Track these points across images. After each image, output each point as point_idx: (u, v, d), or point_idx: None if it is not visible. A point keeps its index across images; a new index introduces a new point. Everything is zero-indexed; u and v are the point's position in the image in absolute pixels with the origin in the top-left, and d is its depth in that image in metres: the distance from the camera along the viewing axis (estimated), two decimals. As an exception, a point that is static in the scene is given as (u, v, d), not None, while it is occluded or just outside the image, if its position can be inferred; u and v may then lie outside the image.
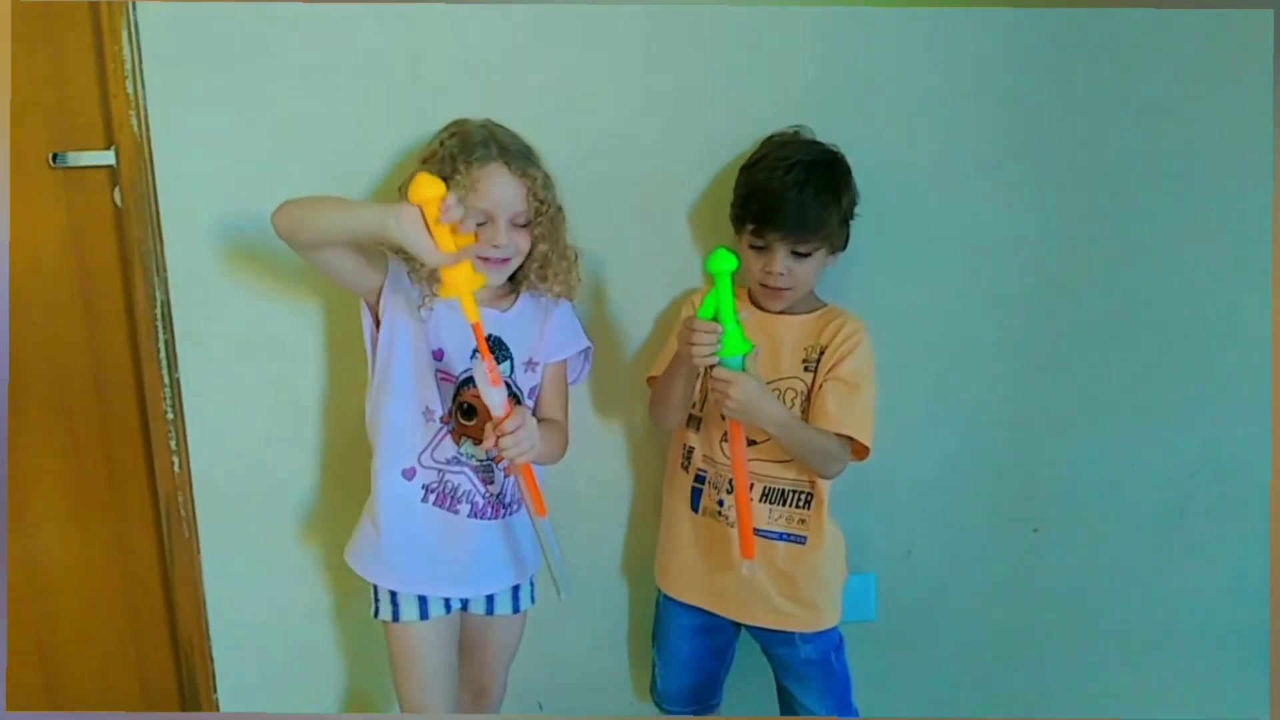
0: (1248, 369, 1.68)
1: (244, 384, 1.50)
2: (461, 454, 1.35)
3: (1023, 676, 1.80)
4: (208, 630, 1.60)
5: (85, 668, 1.67)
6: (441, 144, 1.31)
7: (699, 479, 1.45)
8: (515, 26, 1.43)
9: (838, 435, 1.35)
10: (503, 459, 1.29)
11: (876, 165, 1.45)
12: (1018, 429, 1.69)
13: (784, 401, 1.38)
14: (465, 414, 1.34)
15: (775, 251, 1.35)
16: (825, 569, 1.43)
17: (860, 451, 1.38)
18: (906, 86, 1.53)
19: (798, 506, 1.41)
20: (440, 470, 1.35)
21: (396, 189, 1.35)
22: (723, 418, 1.34)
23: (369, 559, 1.39)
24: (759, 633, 1.48)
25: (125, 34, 1.36)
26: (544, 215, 1.33)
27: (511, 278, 1.38)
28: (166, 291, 1.44)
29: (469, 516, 1.36)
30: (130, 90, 1.37)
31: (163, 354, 1.46)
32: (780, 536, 1.41)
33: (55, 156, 1.44)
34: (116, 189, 1.44)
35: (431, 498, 1.35)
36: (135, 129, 1.39)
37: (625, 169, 1.50)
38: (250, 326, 1.48)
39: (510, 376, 1.36)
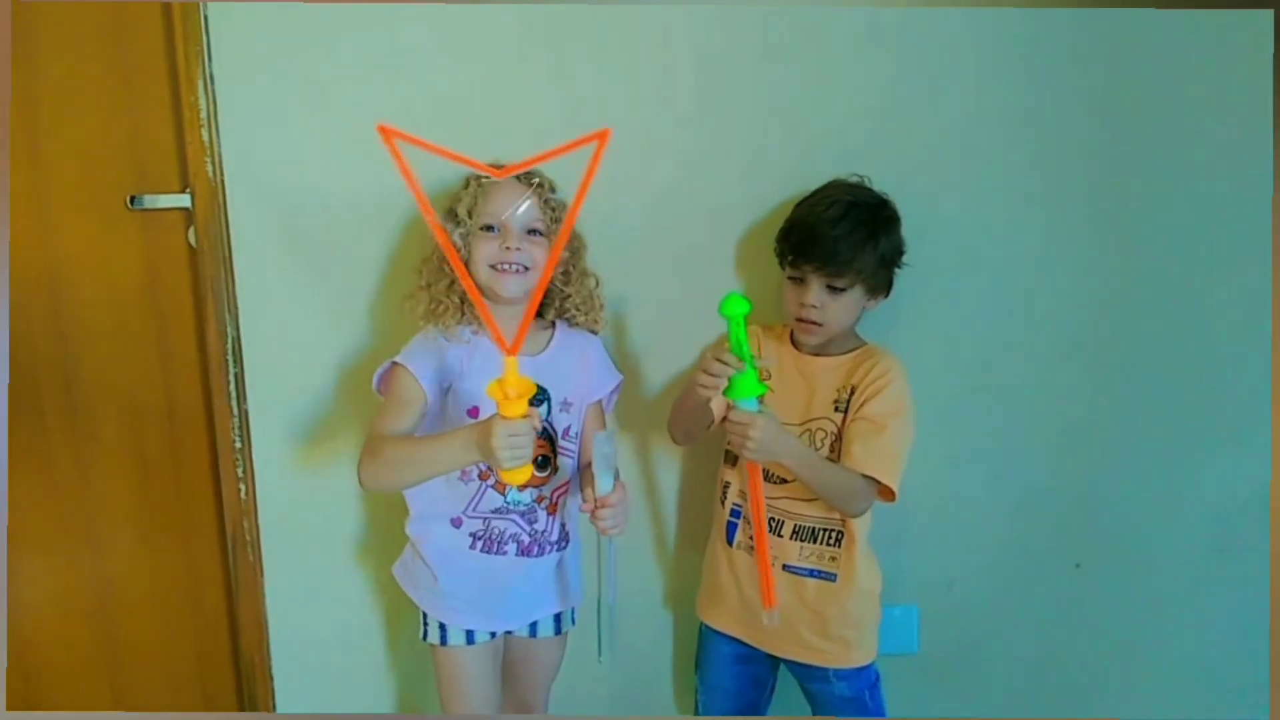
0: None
1: (309, 415, 1.56)
2: (507, 503, 1.38)
3: (1064, 711, 1.79)
4: (269, 648, 1.67)
5: (151, 683, 1.75)
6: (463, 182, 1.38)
7: (734, 514, 1.47)
8: (580, 61, 1.49)
9: (864, 475, 1.35)
10: (601, 528, 1.30)
11: (921, 211, 1.48)
12: (1060, 464, 1.70)
13: (814, 442, 1.40)
14: None
15: (810, 284, 1.38)
16: (856, 607, 1.44)
17: (887, 493, 1.36)
18: (926, 111, 1.56)
19: (828, 544, 1.42)
20: (486, 519, 1.39)
21: (444, 210, 1.38)
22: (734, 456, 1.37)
23: (422, 593, 1.44)
24: (794, 667, 1.50)
25: (201, 85, 1.44)
26: (558, 224, 1.34)
27: (541, 314, 1.41)
28: (238, 327, 1.52)
29: (516, 555, 1.40)
30: (206, 138, 1.45)
31: (233, 386, 1.54)
32: (810, 573, 1.42)
33: (133, 199, 1.52)
34: (191, 229, 1.52)
35: (479, 545, 1.39)
36: (210, 175, 1.46)
37: (680, 209, 1.55)
38: (317, 361, 1.55)
39: (547, 419, 1.39)
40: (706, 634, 1.56)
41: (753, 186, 1.54)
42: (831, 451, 1.40)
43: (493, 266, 1.32)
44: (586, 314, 1.43)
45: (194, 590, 1.71)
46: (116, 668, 1.74)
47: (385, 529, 1.57)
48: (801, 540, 1.42)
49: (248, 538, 1.60)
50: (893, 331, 1.54)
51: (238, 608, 1.66)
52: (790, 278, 1.41)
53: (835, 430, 1.40)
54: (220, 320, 1.52)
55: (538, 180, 1.35)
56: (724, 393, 1.28)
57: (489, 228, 1.33)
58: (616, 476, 1.29)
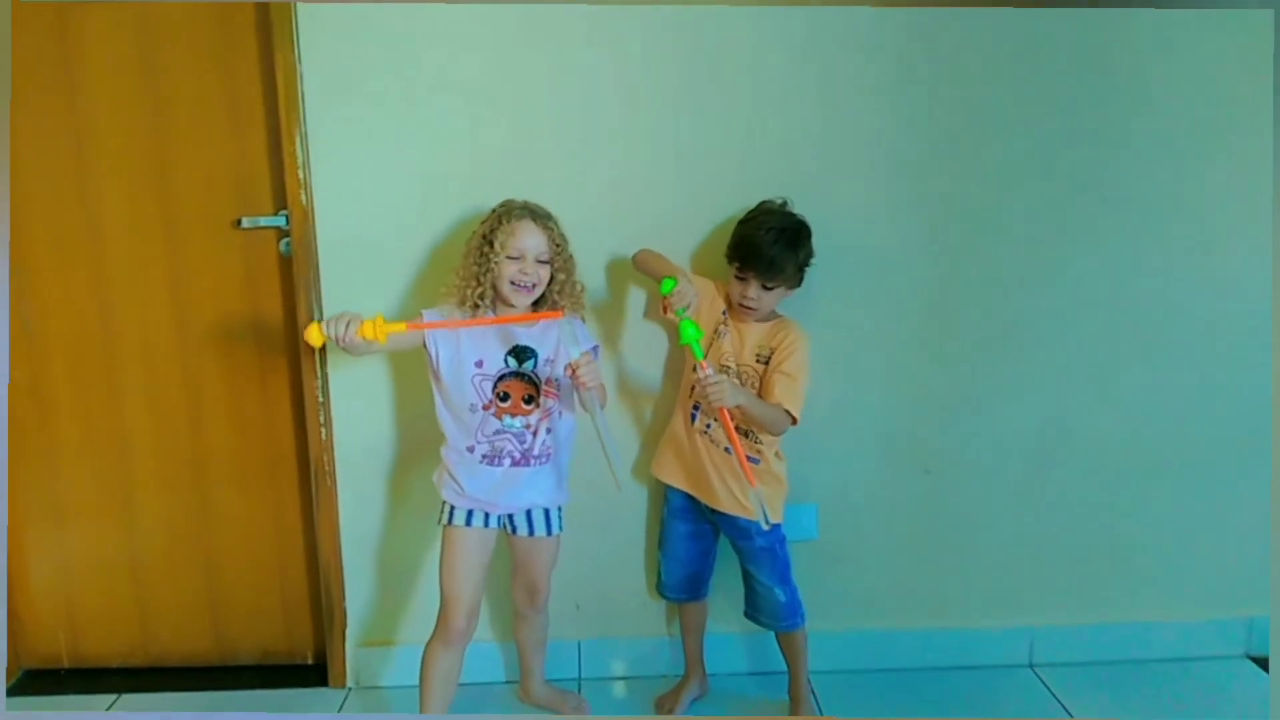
0: (1092, 356, 2.09)
1: (378, 376, 2.07)
2: (503, 426, 1.91)
3: (927, 580, 2.29)
4: (342, 558, 2.17)
5: (240, 587, 2.24)
6: (494, 212, 1.87)
7: (695, 408, 2.03)
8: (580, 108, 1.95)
9: (782, 409, 1.93)
10: (583, 385, 1.79)
11: (833, 222, 1.95)
12: (916, 401, 2.18)
13: (744, 381, 2.00)
14: (501, 399, 1.88)
15: (750, 284, 1.95)
16: (771, 482, 2.03)
17: (794, 421, 1.96)
18: (872, 138, 1.90)
19: (755, 441, 2.01)
20: (490, 441, 1.92)
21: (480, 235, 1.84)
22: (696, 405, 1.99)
23: (445, 490, 1.95)
24: (729, 528, 2.08)
25: (298, 135, 1.95)
26: (560, 255, 1.90)
27: (536, 304, 1.88)
28: (322, 312, 2.02)
29: (510, 466, 1.93)
30: (301, 176, 1.97)
31: (317, 355, 2.05)
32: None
33: (239, 221, 2.05)
34: (284, 240, 2.06)
35: (485, 460, 1.90)
36: (304, 201, 1.99)
37: (651, 217, 2.04)
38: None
39: (534, 370, 1.91)
40: (668, 519, 2.14)
41: (699, 203, 2.04)
42: (753, 388, 2.00)
43: (512, 282, 1.83)
44: (570, 306, 1.90)
45: (278, 512, 2.21)
46: (212, 576, 2.23)
47: (433, 457, 2.01)
48: (741, 435, 1.99)
49: (327, 468, 2.13)
50: (806, 313, 2.00)
51: (318, 525, 2.15)
52: (736, 276, 1.98)
53: (758, 375, 2.00)
54: (309, 307, 2.03)
55: (553, 227, 1.84)
56: (680, 343, 1.87)
57: (513, 257, 1.83)
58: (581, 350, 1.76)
